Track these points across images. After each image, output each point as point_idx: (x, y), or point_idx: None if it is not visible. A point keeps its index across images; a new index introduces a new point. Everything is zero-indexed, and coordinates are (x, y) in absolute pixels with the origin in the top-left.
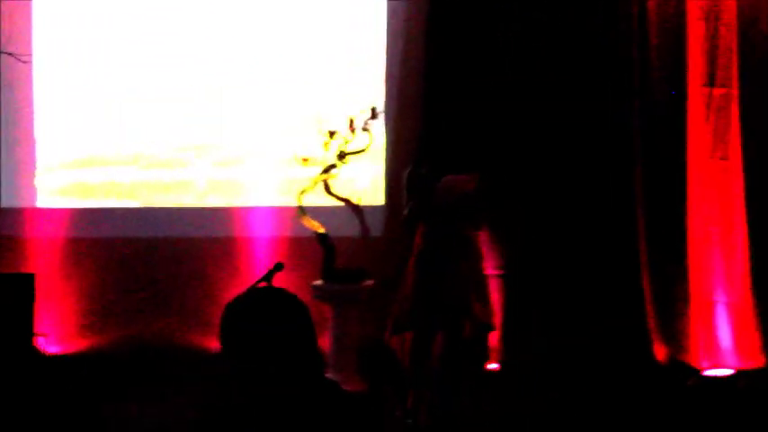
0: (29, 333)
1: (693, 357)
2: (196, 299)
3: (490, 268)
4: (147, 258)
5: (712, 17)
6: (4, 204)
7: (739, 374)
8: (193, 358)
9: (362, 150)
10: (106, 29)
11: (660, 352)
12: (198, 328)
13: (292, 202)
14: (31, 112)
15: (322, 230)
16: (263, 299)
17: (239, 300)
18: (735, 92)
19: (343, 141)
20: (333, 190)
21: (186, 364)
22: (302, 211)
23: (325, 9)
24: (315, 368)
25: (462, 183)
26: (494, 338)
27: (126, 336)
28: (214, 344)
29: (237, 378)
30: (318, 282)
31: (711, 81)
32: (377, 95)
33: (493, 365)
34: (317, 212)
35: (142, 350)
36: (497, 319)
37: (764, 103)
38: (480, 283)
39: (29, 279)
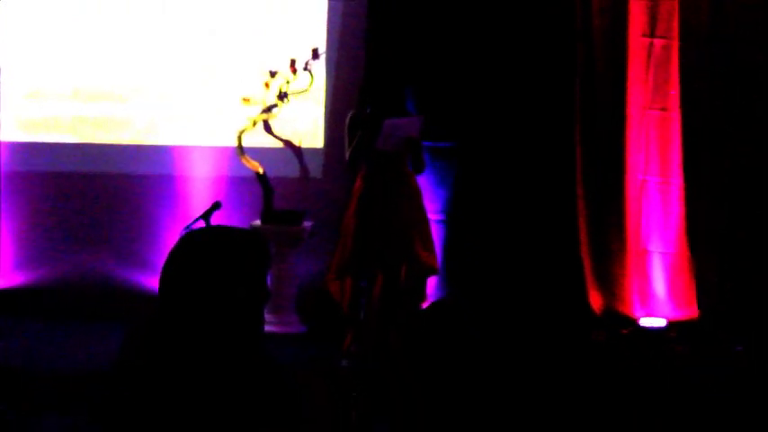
0: None
1: (628, 307)
2: (133, 236)
3: (430, 213)
4: (86, 194)
5: None
6: None
7: (673, 325)
8: (128, 296)
9: (304, 91)
10: None
11: (596, 301)
12: (134, 266)
13: (232, 141)
14: None
15: (261, 171)
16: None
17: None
18: (675, 42)
19: (285, 81)
20: (273, 130)
21: (121, 303)
22: (242, 150)
23: None
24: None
25: (406, 126)
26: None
27: (61, 271)
28: (149, 282)
29: (169, 322)
30: (257, 222)
31: (652, 32)
32: (319, 36)
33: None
34: (256, 152)
35: (77, 286)
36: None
37: (704, 55)
38: (423, 226)
39: None
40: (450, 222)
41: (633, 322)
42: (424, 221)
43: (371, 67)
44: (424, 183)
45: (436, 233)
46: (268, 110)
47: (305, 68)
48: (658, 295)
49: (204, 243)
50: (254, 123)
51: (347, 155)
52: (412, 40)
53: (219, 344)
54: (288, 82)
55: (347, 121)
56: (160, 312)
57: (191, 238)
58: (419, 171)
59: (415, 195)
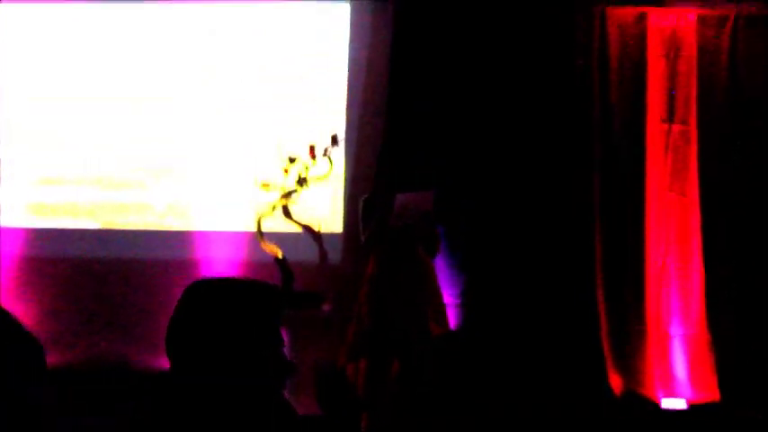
0: None
1: (649, 390)
2: (153, 321)
3: (448, 296)
4: (105, 280)
5: (672, 54)
6: None
7: (694, 408)
8: (146, 381)
9: (323, 176)
10: (70, 48)
11: (616, 384)
12: (152, 351)
13: (251, 226)
14: None
15: (280, 255)
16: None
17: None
18: (693, 129)
19: (304, 167)
20: (292, 215)
21: (139, 387)
22: (261, 235)
23: (289, 36)
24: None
25: (419, 201)
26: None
27: (80, 357)
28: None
29: (183, 394)
30: None
31: (671, 117)
32: (338, 123)
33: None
34: (276, 237)
35: (97, 372)
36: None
37: (722, 140)
38: (438, 306)
39: None
40: (467, 306)
41: (654, 404)
42: (439, 301)
43: (389, 152)
44: (442, 266)
45: (453, 317)
46: (287, 195)
47: (324, 154)
48: (679, 378)
49: (212, 288)
50: (274, 208)
51: (363, 239)
52: (431, 129)
53: (235, 390)
54: (307, 168)
55: (361, 204)
56: (170, 364)
57: (197, 286)
58: (433, 254)
59: (430, 277)
